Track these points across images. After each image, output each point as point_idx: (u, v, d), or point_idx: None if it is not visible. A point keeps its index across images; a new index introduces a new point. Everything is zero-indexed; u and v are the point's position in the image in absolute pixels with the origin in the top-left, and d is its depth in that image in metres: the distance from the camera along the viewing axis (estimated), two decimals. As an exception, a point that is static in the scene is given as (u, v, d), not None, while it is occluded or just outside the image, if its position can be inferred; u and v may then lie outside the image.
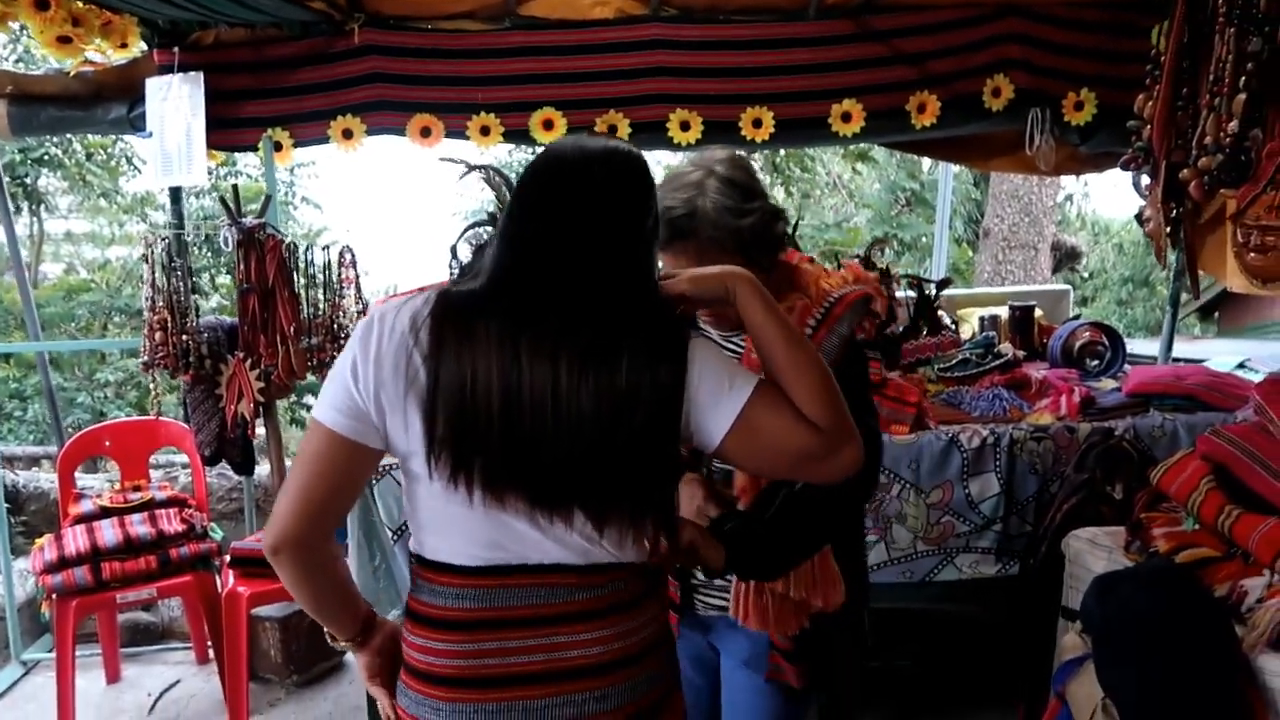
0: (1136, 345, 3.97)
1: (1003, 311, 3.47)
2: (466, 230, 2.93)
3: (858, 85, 3.41)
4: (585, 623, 1.18)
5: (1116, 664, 1.47)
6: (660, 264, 1.51)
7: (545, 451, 1.13)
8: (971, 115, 3.43)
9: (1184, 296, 3.57)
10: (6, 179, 7.90)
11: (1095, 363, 3.20)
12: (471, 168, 2.87)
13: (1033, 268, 8.32)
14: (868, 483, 1.56)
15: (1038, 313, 3.51)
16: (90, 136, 7.98)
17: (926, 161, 9.57)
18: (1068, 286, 4.21)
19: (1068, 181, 11.70)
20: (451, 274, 2.90)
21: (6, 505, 3.68)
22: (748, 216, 1.52)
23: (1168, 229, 2.30)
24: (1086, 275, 12.77)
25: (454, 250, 2.91)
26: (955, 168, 6.79)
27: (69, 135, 7.28)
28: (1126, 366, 3.21)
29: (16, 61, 7.27)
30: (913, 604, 2.77)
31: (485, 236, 2.93)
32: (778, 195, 11.45)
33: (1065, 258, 9.70)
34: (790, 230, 3.20)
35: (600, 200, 1.19)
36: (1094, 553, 1.96)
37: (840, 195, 11.37)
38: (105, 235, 9.80)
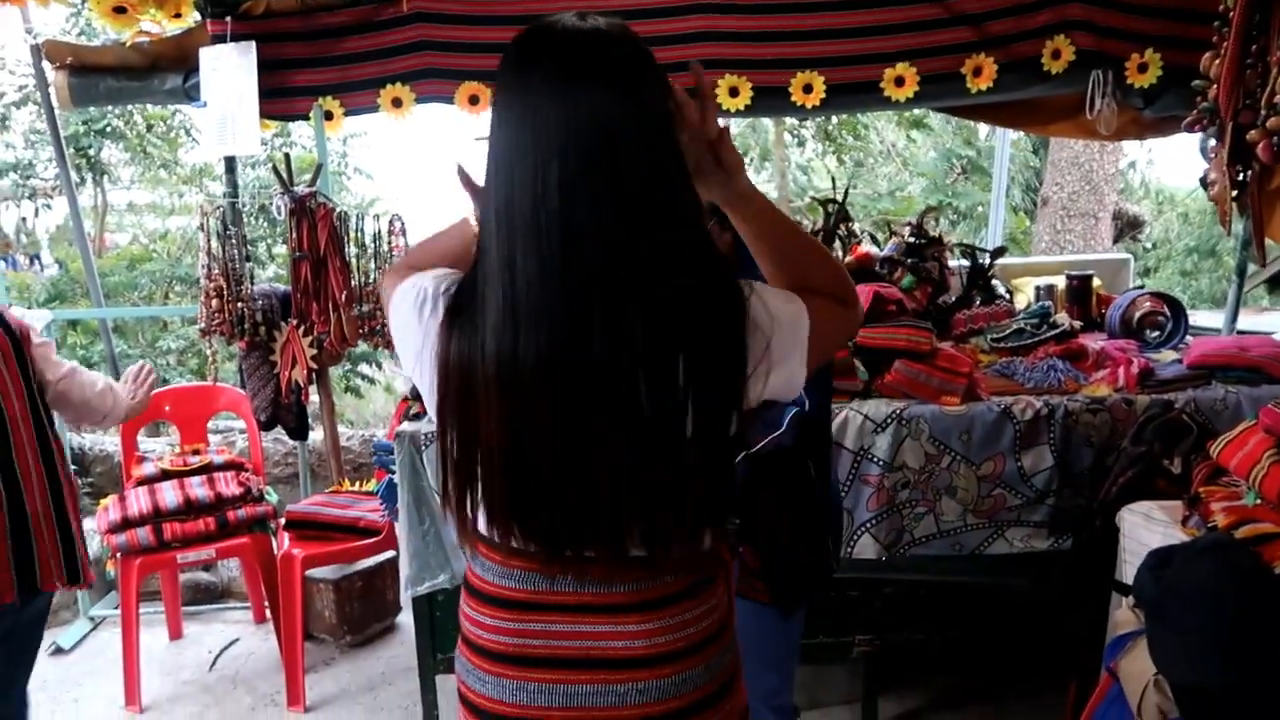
0: (1201, 317, 3.85)
1: (1059, 281, 3.39)
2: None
3: (912, 48, 3.34)
4: (630, 614, 1.11)
5: (1169, 638, 1.44)
6: None
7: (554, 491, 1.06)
8: (1030, 78, 3.34)
9: (1251, 267, 3.44)
10: (70, 151, 8.11)
11: (1156, 334, 3.11)
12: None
13: (1093, 237, 8.11)
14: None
15: (1096, 282, 3.42)
16: (150, 108, 8.12)
17: (983, 128, 9.35)
18: (1128, 256, 4.10)
19: (1130, 148, 11.35)
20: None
21: (74, 467, 3.80)
22: None
23: (1233, 193, 2.21)
24: (1149, 245, 12.41)
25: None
26: (1013, 134, 6.64)
27: (127, 106, 7.41)
28: (1188, 338, 3.11)
29: (79, 35, 7.41)
30: (961, 577, 2.74)
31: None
32: (829, 164, 11.32)
33: (1127, 227, 9.44)
34: (841, 199, 3.18)
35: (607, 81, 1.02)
36: (1149, 527, 1.91)
37: (894, 163, 11.17)
38: (166, 206, 9.98)
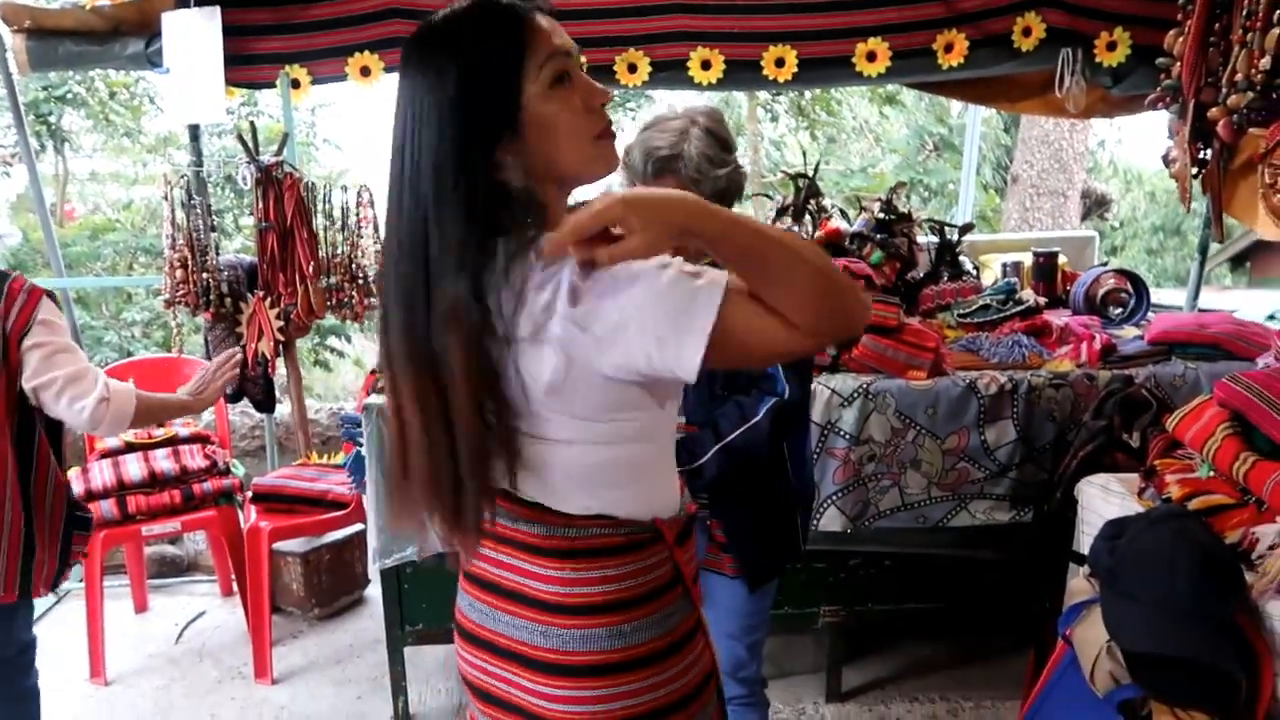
0: (1166, 295, 3.90)
1: (1026, 258, 3.42)
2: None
3: (884, 23, 3.34)
4: (546, 557, 1.13)
5: (1122, 606, 1.47)
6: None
7: None
8: (1001, 55, 3.36)
9: (1214, 246, 3.49)
10: (31, 118, 7.93)
11: (1119, 310, 3.15)
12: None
13: (1061, 215, 8.19)
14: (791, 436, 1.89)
15: (1062, 259, 3.45)
16: (113, 74, 7.96)
17: (956, 105, 9.40)
18: (1093, 233, 4.14)
19: (1099, 127, 11.46)
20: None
21: (35, 439, 3.75)
22: (723, 168, 1.72)
23: (1194, 171, 2.24)
24: (1117, 224, 12.56)
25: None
26: (985, 112, 6.65)
27: (88, 71, 7.26)
28: (1150, 315, 3.16)
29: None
30: (926, 549, 2.79)
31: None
32: (803, 139, 11.32)
33: (1095, 205, 9.53)
34: (812, 174, 3.19)
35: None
36: (1106, 499, 1.95)
37: (867, 140, 11.20)
38: (129, 175, 9.80)
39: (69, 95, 8.00)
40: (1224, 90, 2.08)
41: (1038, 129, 8.11)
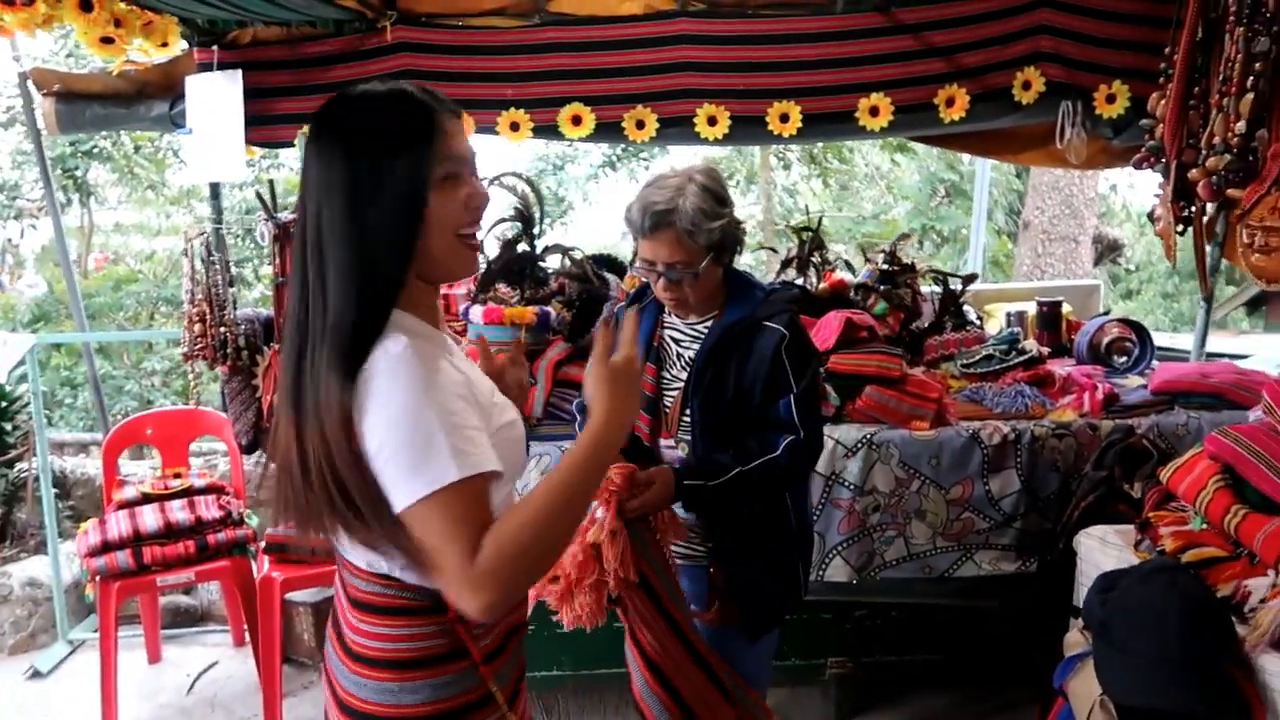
0: (1182, 340, 3.90)
1: (1030, 307, 3.45)
2: (493, 226, 2.99)
3: (886, 79, 3.41)
4: (349, 607, 1.28)
5: (1115, 659, 1.48)
6: (639, 254, 1.84)
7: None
8: (1002, 109, 3.41)
9: (1229, 289, 3.51)
10: (58, 172, 8.13)
11: (1123, 359, 3.17)
12: (493, 180, 2.90)
13: (1073, 260, 8.20)
14: (803, 474, 2.01)
15: (1066, 308, 3.48)
16: (137, 131, 8.16)
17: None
18: (1098, 282, 4.17)
19: (1111, 172, 11.48)
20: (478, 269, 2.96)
21: (55, 490, 3.82)
22: (718, 220, 1.80)
23: (1178, 229, 2.28)
24: (1132, 268, 12.52)
25: (480, 245, 2.96)
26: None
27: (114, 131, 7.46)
28: (1154, 363, 3.18)
29: (67, 56, 7.46)
30: (931, 600, 2.79)
31: (512, 233, 2.98)
32: (815, 187, 11.41)
33: (1107, 250, 9.55)
34: (817, 225, 3.24)
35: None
36: (1105, 551, 1.96)
37: (879, 187, 11.28)
38: (153, 226, 9.99)
39: (95, 150, 8.20)
40: (1203, 152, 2.12)
41: (1048, 175, 8.16)
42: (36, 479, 3.68)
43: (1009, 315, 3.37)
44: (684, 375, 1.93)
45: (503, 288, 2.96)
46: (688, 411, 1.92)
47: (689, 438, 1.92)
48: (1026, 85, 3.36)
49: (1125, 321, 3.24)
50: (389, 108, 1.16)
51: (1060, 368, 3.01)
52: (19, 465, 3.91)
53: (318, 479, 1.13)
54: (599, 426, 1.19)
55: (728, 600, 1.92)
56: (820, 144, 10.28)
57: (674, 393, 1.95)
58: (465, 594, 1.07)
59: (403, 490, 1.08)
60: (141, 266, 9.57)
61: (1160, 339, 3.49)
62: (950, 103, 3.40)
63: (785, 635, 2.90)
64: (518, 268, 2.93)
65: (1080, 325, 3.36)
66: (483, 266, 2.95)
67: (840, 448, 2.66)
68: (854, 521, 2.68)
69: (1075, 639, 1.67)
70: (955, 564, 2.74)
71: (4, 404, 3.88)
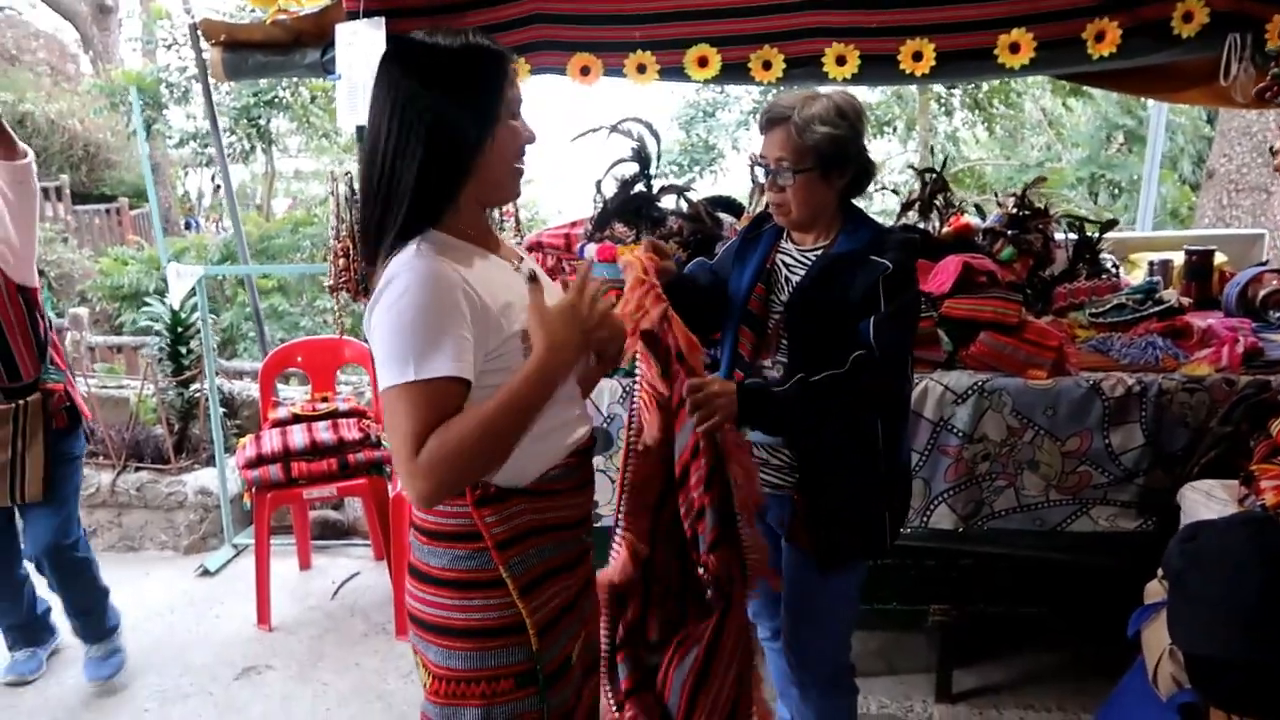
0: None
1: (1178, 257, 3.23)
2: (612, 167, 3.05)
3: (1028, 13, 3.21)
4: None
5: (1186, 609, 1.42)
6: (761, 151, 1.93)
7: None
8: (1159, 43, 3.16)
9: None
10: (243, 121, 8.74)
11: (1278, 314, 2.94)
12: (612, 128, 2.95)
13: (1262, 213, 7.51)
14: (872, 396, 1.86)
15: (1220, 259, 3.24)
16: (313, 80, 8.66)
17: (1147, 95, 8.77)
18: (1263, 231, 3.82)
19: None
20: (595, 208, 3.03)
21: (223, 410, 4.20)
22: (834, 129, 1.82)
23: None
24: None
25: (599, 185, 3.03)
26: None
27: (273, 79, 7.94)
28: (1316, 318, 2.93)
29: (239, 9, 7.97)
30: (1040, 553, 2.70)
31: (630, 173, 3.04)
32: (979, 133, 10.89)
33: (1303, 201, 8.68)
34: (939, 169, 3.13)
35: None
36: (1209, 505, 1.86)
37: (1049, 134, 10.65)
38: (325, 173, 10.65)
39: (275, 99, 8.76)
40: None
41: (1239, 119, 7.46)
42: (208, 399, 4.05)
43: (1152, 264, 3.17)
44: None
45: (620, 227, 3.02)
46: (785, 334, 1.94)
47: (784, 359, 1.95)
48: (1188, 17, 3.10)
49: (1285, 272, 3.00)
50: (474, 53, 1.34)
51: (1200, 320, 2.82)
52: (194, 386, 4.31)
53: None
54: (542, 355, 1.32)
55: (806, 529, 1.95)
56: (985, 86, 9.79)
57: (777, 315, 1.97)
58: (405, 481, 1.26)
59: (380, 376, 1.28)
60: (317, 210, 10.21)
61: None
62: (1100, 37, 3.18)
63: (887, 580, 2.90)
64: (633, 208, 2.98)
65: (1233, 276, 3.13)
66: (599, 206, 3.02)
67: (950, 394, 2.60)
68: (961, 469, 2.63)
69: (1154, 588, 1.61)
70: (1070, 518, 2.65)
71: (180, 329, 4.27)
